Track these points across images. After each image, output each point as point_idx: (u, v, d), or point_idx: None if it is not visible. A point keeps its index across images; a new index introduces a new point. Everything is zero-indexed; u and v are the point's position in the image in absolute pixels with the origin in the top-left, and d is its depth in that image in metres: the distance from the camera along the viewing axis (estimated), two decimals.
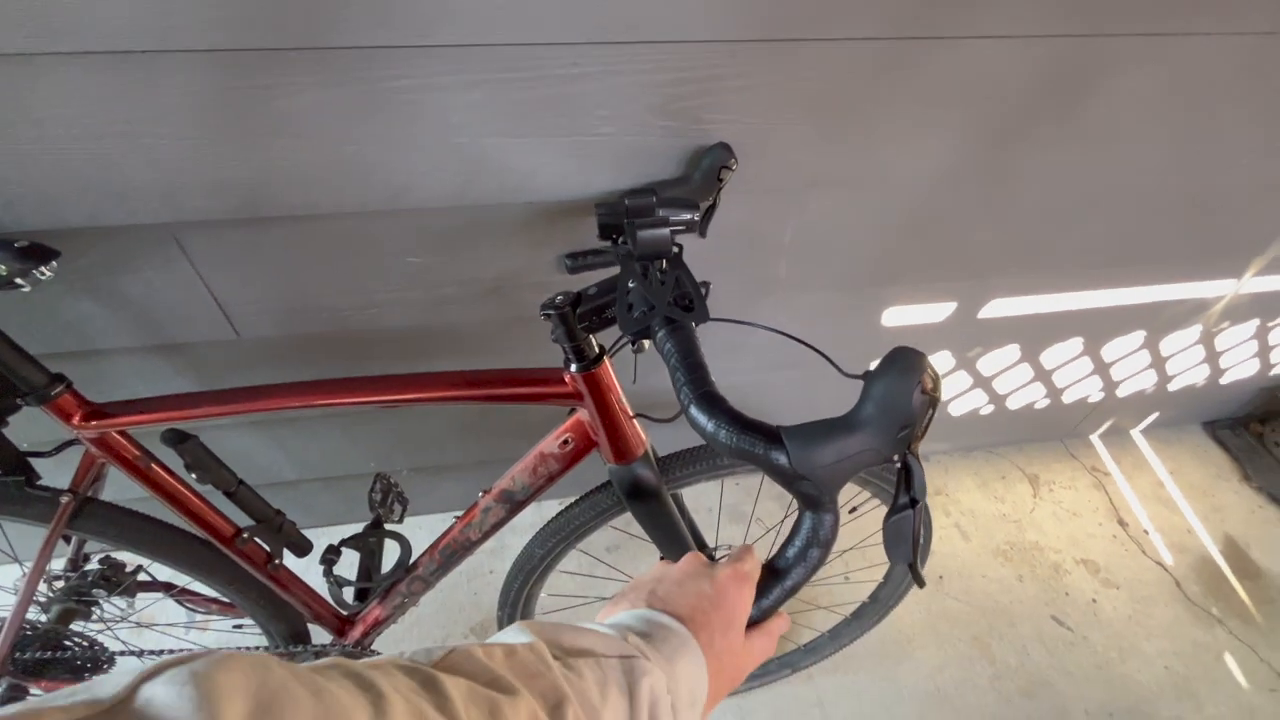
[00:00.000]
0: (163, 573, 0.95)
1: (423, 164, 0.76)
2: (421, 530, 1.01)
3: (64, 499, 0.77)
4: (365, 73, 0.67)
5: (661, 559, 0.87)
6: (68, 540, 0.90)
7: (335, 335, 0.98)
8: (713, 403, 0.46)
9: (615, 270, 0.79)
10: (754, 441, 0.43)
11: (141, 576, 0.97)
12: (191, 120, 0.67)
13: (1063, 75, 0.85)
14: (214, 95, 0.65)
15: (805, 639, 1.26)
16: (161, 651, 0.96)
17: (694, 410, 0.47)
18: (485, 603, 1.38)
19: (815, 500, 0.43)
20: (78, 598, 0.92)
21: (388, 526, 0.95)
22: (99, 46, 0.60)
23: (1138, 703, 1.31)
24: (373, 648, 1.02)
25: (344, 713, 0.23)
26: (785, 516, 1.22)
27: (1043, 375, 1.50)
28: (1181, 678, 1.35)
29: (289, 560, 0.89)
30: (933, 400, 0.40)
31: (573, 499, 0.87)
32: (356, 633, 0.98)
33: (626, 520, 0.86)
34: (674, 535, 0.82)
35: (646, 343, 0.60)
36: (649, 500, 0.78)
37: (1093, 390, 1.60)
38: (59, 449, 0.76)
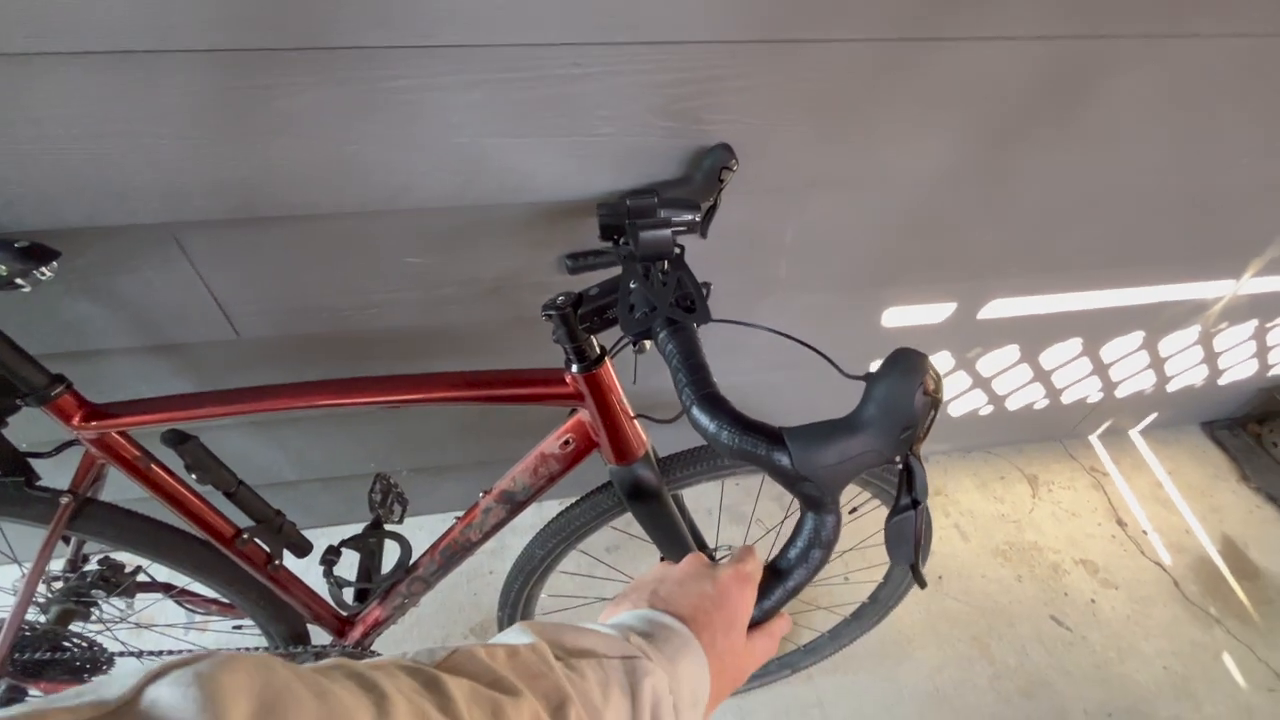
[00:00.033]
0: (162, 573, 0.95)
1: (423, 164, 0.76)
2: (421, 531, 1.01)
3: (64, 500, 0.77)
4: (365, 73, 0.67)
5: (662, 560, 0.87)
6: (67, 541, 0.90)
7: (335, 335, 0.98)
8: (715, 404, 0.46)
9: (616, 271, 0.79)
10: (756, 443, 0.43)
11: (140, 577, 0.97)
12: (191, 120, 0.67)
13: (1062, 76, 0.85)
14: (214, 95, 0.65)
15: (805, 639, 1.26)
16: (161, 652, 0.96)
17: (696, 411, 0.47)
18: (485, 603, 1.38)
19: (817, 501, 0.43)
20: (77, 598, 0.92)
21: (388, 527, 0.95)
22: (99, 46, 0.60)
23: (1136, 702, 1.31)
24: (373, 648, 1.02)
25: (347, 713, 0.23)
26: (785, 517, 1.22)
27: (1042, 376, 1.51)
28: (1180, 677, 1.35)
29: (289, 561, 0.89)
30: (935, 401, 0.40)
31: (573, 500, 0.87)
32: (356, 633, 0.97)
33: (626, 521, 0.86)
34: (674, 536, 0.82)
35: (648, 343, 0.60)
36: (650, 501, 0.78)
37: (1091, 391, 1.60)
38: (59, 450, 0.76)
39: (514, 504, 0.81)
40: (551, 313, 0.62)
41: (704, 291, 0.60)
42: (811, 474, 0.41)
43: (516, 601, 0.97)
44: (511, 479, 0.79)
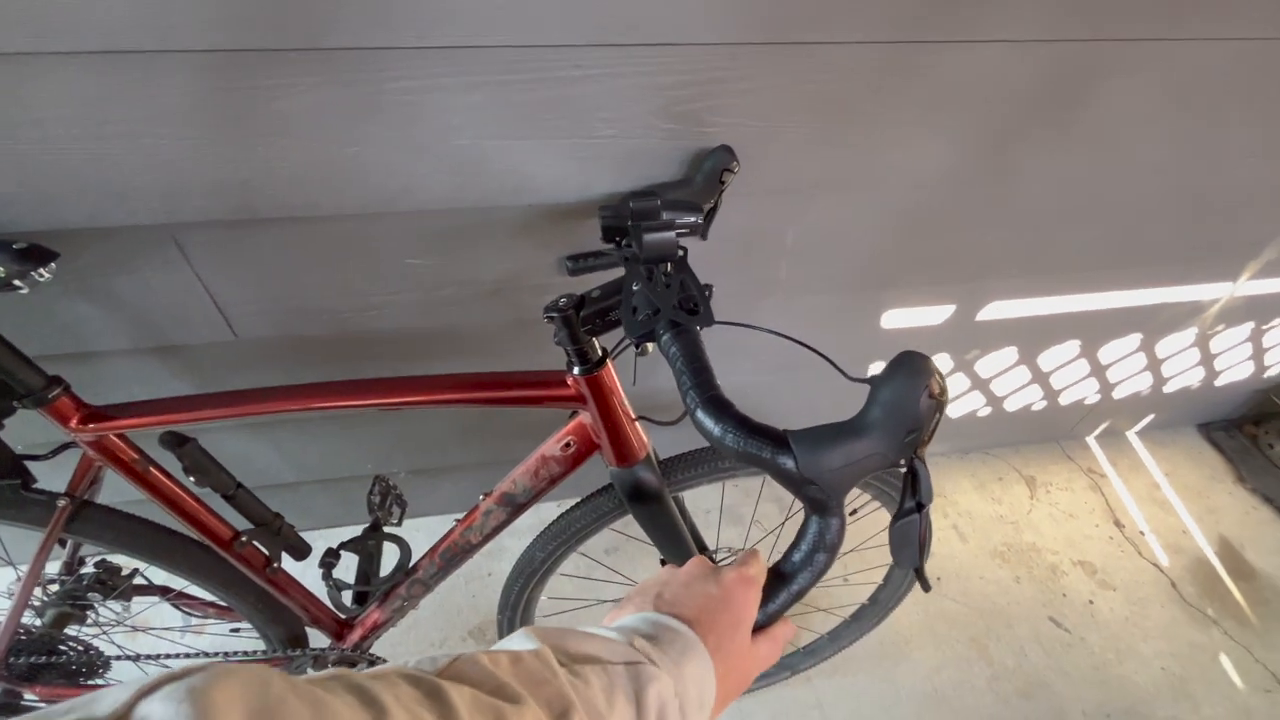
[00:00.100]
0: (159, 576, 0.94)
1: (423, 165, 0.75)
2: (420, 533, 1.00)
3: (60, 503, 0.76)
4: (366, 74, 0.66)
5: (663, 562, 0.87)
6: (63, 544, 0.89)
7: (335, 337, 0.98)
8: (720, 407, 0.46)
9: (616, 272, 0.79)
10: (761, 446, 0.42)
11: (137, 580, 0.97)
12: (191, 120, 0.67)
13: (1063, 79, 0.85)
14: (214, 96, 0.65)
15: (805, 641, 1.26)
16: (158, 656, 0.95)
17: (701, 414, 0.47)
18: (483, 605, 1.38)
19: (822, 504, 0.43)
20: (73, 602, 0.92)
21: (386, 529, 0.95)
22: (99, 46, 0.60)
23: (1135, 704, 1.32)
24: (371, 651, 1.02)
25: None
26: (786, 519, 1.22)
27: (1040, 377, 1.51)
28: (1178, 679, 1.36)
29: (287, 564, 0.89)
30: (940, 404, 0.40)
31: (573, 502, 0.87)
32: (355, 636, 0.97)
33: (625, 523, 0.85)
34: (675, 538, 0.82)
35: (650, 345, 0.60)
36: (651, 503, 0.77)
37: (1089, 392, 1.61)
38: (56, 452, 0.76)
39: (514, 506, 0.81)
40: (554, 315, 0.62)
41: (707, 294, 0.60)
42: (816, 477, 0.41)
43: (517, 604, 0.97)
44: (512, 481, 0.79)
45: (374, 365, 1.05)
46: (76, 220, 0.72)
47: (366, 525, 0.95)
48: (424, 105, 0.70)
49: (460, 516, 0.85)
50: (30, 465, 0.78)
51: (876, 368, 1.33)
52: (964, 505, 1.66)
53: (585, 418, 0.72)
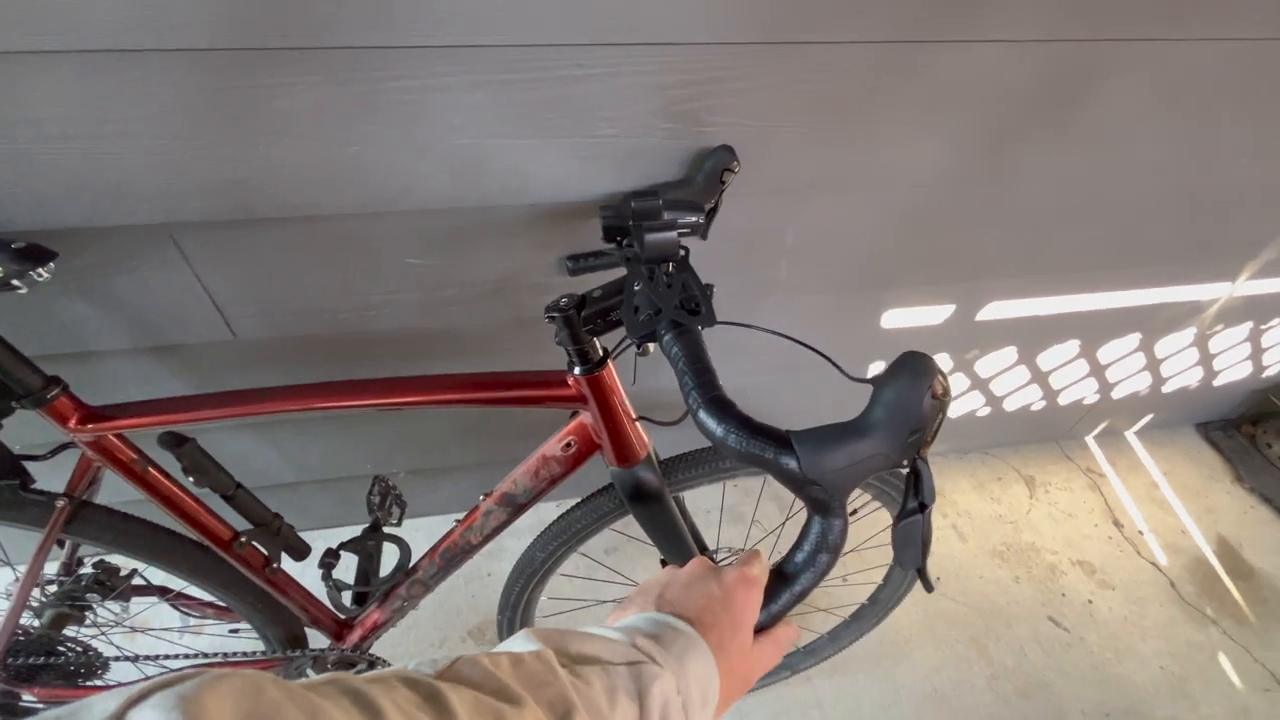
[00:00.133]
0: (157, 577, 0.94)
1: (424, 165, 0.75)
2: (419, 533, 1.00)
3: (59, 503, 0.76)
4: (366, 73, 0.66)
5: (663, 562, 0.87)
6: (61, 544, 0.89)
7: (334, 337, 0.97)
8: (722, 407, 0.46)
9: (617, 272, 0.79)
10: (764, 446, 0.42)
11: (136, 581, 0.96)
12: (191, 120, 0.66)
13: (1061, 79, 0.85)
14: (214, 95, 0.65)
15: (804, 641, 1.26)
16: (157, 657, 0.95)
17: (703, 415, 0.47)
18: (483, 605, 1.38)
19: (825, 505, 0.43)
20: (71, 602, 0.91)
21: (386, 529, 0.94)
22: (97, 45, 0.59)
23: (1134, 703, 1.32)
24: (371, 651, 1.02)
25: None
26: (786, 519, 1.22)
27: (1039, 377, 1.51)
28: (1177, 678, 1.36)
29: (287, 564, 0.89)
30: (943, 405, 0.40)
31: (573, 502, 0.87)
32: (355, 636, 0.97)
33: (625, 523, 0.85)
34: (676, 538, 0.82)
35: (651, 346, 0.60)
36: (651, 503, 0.77)
37: (1088, 392, 1.61)
38: (54, 452, 0.75)
39: (515, 506, 0.81)
40: (555, 315, 0.61)
41: (708, 293, 0.60)
42: (819, 478, 0.41)
43: (517, 604, 0.97)
44: (512, 481, 0.79)
45: (374, 365, 1.04)
46: (75, 220, 0.72)
47: (366, 525, 0.94)
48: (425, 104, 0.70)
49: (460, 517, 0.85)
50: (29, 465, 0.77)
51: (876, 367, 1.33)
52: (963, 505, 1.66)
53: (586, 418, 0.72)
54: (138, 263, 0.81)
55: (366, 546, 0.93)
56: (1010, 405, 1.59)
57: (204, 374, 0.99)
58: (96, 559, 0.95)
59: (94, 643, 0.96)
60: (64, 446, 0.75)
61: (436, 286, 0.93)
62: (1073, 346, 1.44)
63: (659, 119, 0.76)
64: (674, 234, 0.61)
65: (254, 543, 0.85)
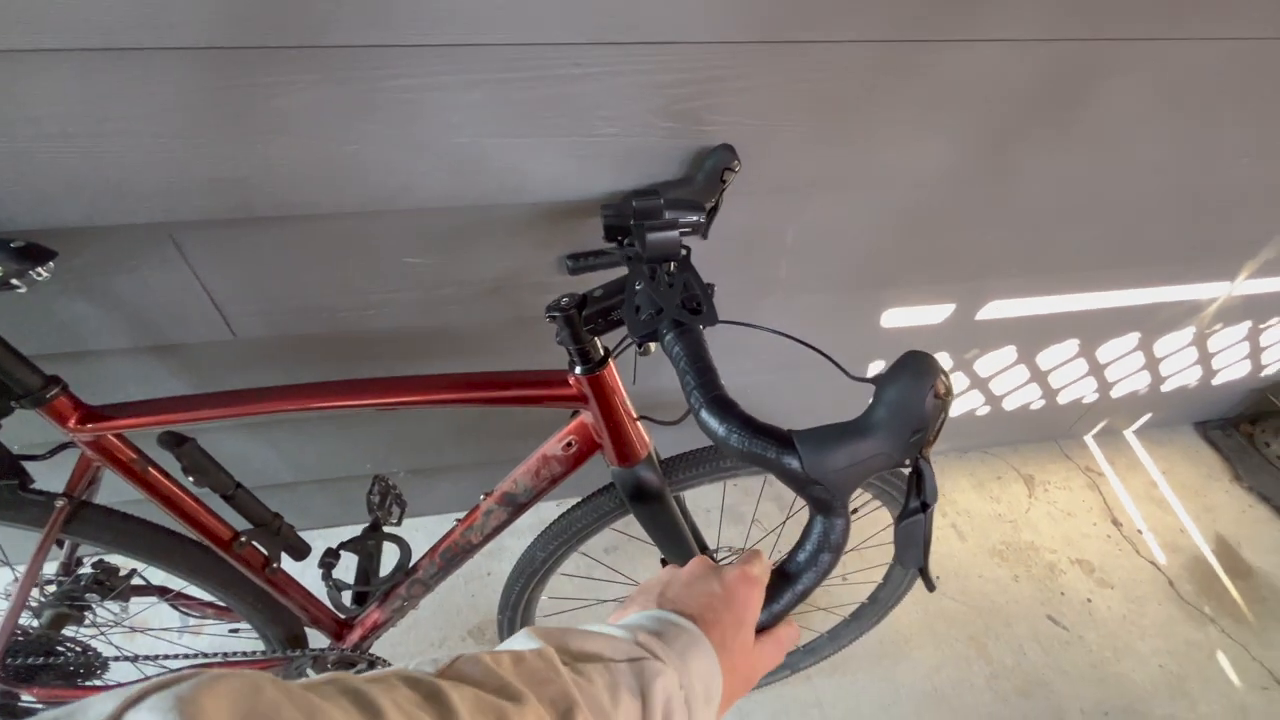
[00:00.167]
0: (157, 577, 0.94)
1: (423, 164, 0.75)
2: (419, 532, 1.00)
3: (58, 503, 0.76)
4: (365, 71, 0.66)
5: (663, 562, 0.87)
6: (61, 544, 0.89)
7: (334, 336, 0.97)
8: (725, 407, 0.46)
9: (617, 271, 0.79)
10: (766, 446, 0.42)
11: (135, 581, 0.96)
12: (190, 118, 0.66)
13: (1061, 78, 0.85)
14: (213, 93, 0.65)
15: (804, 639, 1.26)
16: (156, 657, 0.95)
17: (706, 414, 0.47)
18: (483, 605, 1.38)
19: (827, 504, 0.43)
20: (71, 602, 0.91)
21: (386, 529, 0.94)
22: (97, 43, 0.59)
23: (1133, 702, 1.32)
24: (371, 651, 1.01)
25: None
26: (786, 519, 1.22)
27: (1039, 376, 1.51)
28: (1175, 676, 1.36)
29: (286, 563, 0.89)
30: (945, 404, 0.40)
31: (573, 501, 0.87)
32: (355, 636, 0.97)
33: (626, 522, 0.85)
34: (677, 538, 0.82)
35: (653, 345, 0.60)
36: (652, 503, 0.77)
37: (1087, 391, 1.61)
38: (53, 452, 0.75)
39: (515, 506, 0.81)
40: (556, 314, 0.61)
41: (709, 293, 0.60)
42: (822, 477, 0.41)
43: (517, 604, 0.97)
44: (513, 481, 0.79)
45: (373, 365, 1.04)
46: (74, 219, 0.72)
47: (366, 525, 0.94)
48: (423, 103, 0.70)
49: (460, 516, 0.85)
50: (28, 465, 0.77)
51: (876, 367, 1.33)
52: (962, 504, 1.66)
53: (587, 417, 0.72)
54: (137, 262, 0.81)
55: (366, 546, 0.93)
56: (1009, 404, 1.59)
57: (203, 373, 0.99)
58: (96, 559, 0.94)
59: (93, 643, 0.96)
60: (63, 446, 0.75)
61: (435, 285, 0.92)
62: (1072, 345, 1.44)
63: (658, 118, 0.76)
64: (675, 233, 0.61)
65: (254, 542, 0.85)
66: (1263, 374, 1.71)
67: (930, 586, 0.47)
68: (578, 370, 0.66)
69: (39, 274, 0.66)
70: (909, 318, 1.24)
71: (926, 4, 0.73)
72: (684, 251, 0.65)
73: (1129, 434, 1.87)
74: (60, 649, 0.92)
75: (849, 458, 0.41)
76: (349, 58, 0.65)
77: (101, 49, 0.59)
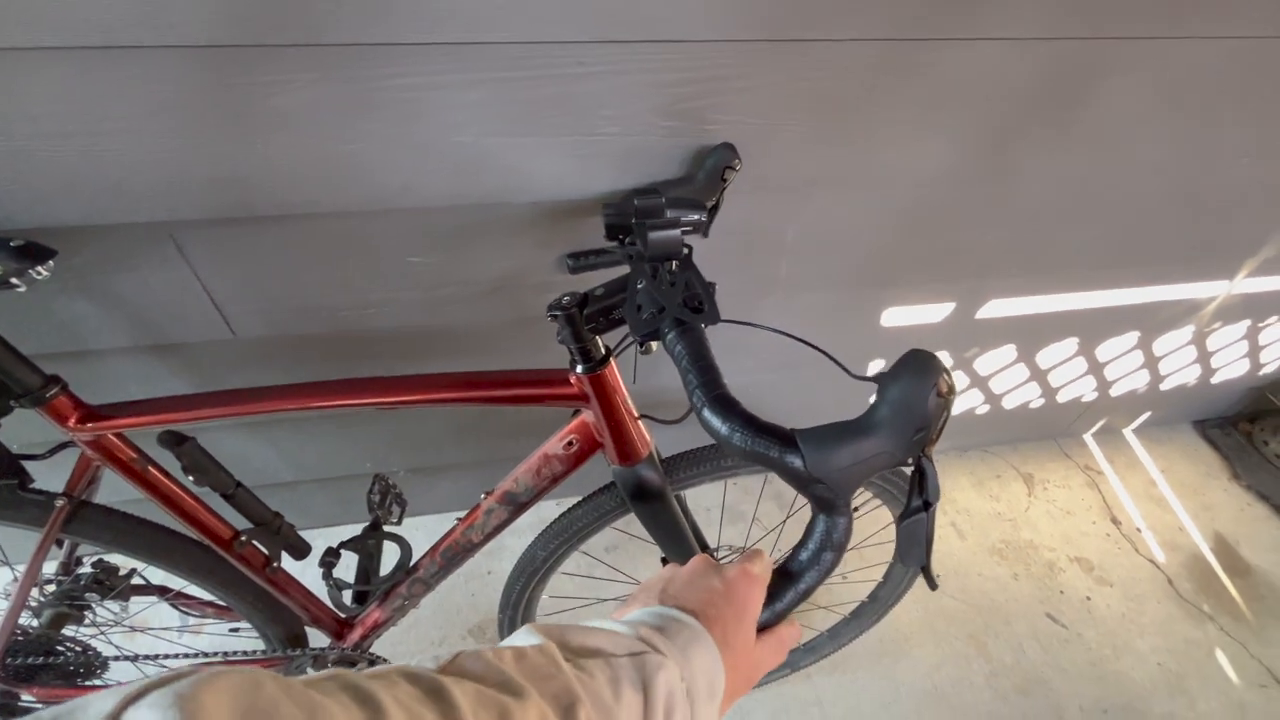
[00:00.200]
0: (157, 576, 0.94)
1: (423, 163, 0.75)
2: (419, 531, 1.00)
3: (58, 503, 0.76)
4: (365, 70, 0.66)
5: (663, 560, 0.87)
6: (60, 544, 0.89)
7: (334, 335, 0.97)
8: (727, 406, 0.46)
9: (618, 270, 0.79)
10: (769, 445, 0.42)
11: (135, 580, 0.96)
12: (190, 117, 0.66)
13: (1062, 77, 0.85)
14: (213, 92, 0.64)
15: (805, 638, 1.26)
16: (156, 656, 0.95)
17: (708, 413, 0.47)
18: (483, 604, 1.37)
19: (829, 503, 0.43)
20: (70, 602, 0.91)
21: (386, 528, 0.94)
22: (96, 41, 0.59)
23: (1132, 699, 1.32)
24: (372, 650, 1.01)
25: None
26: (787, 518, 1.22)
27: (1038, 375, 1.52)
28: (1174, 674, 1.36)
29: (287, 563, 0.88)
30: (948, 403, 0.40)
31: (574, 500, 0.87)
32: (355, 635, 0.97)
33: (626, 521, 0.85)
34: (678, 536, 0.82)
35: (654, 344, 0.60)
36: (653, 502, 0.77)
37: (1087, 390, 1.61)
38: (53, 452, 0.75)
39: (516, 505, 0.81)
40: (557, 313, 0.61)
41: (711, 291, 0.60)
42: (824, 476, 0.41)
43: (518, 603, 0.97)
44: (514, 480, 0.79)
45: (373, 364, 1.04)
46: (73, 217, 0.71)
47: (366, 524, 0.94)
48: (424, 102, 0.70)
49: (461, 515, 0.85)
50: (27, 465, 0.77)
51: (876, 365, 1.33)
52: (962, 503, 1.66)
53: (588, 416, 0.72)
54: (137, 261, 0.81)
55: (367, 545, 0.93)
56: (1009, 403, 1.59)
57: (203, 372, 0.99)
58: (95, 558, 0.94)
59: (93, 642, 0.96)
60: (63, 445, 0.75)
61: (436, 285, 0.92)
62: (1071, 344, 1.44)
63: (660, 117, 0.76)
64: (677, 232, 0.61)
65: (254, 542, 0.85)
66: (1261, 372, 1.71)
67: (933, 585, 0.47)
68: (579, 369, 0.66)
69: (38, 273, 0.65)
70: (909, 316, 1.24)
71: (927, 3, 0.73)
72: (686, 250, 0.65)
73: (1128, 432, 1.87)
74: (60, 649, 0.92)
75: (852, 456, 0.41)
76: (349, 56, 0.65)
77: (101, 47, 0.59)
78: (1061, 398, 1.62)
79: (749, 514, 1.51)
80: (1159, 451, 1.83)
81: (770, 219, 0.96)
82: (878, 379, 0.42)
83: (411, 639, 1.32)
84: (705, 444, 0.83)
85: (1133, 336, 1.46)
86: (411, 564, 0.90)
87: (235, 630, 1.04)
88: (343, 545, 0.92)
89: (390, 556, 0.92)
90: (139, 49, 0.60)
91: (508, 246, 0.89)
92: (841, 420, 0.42)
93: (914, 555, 0.44)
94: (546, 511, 0.91)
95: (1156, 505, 1.69)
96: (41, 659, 0.90)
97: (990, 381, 1.50)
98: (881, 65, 0.78)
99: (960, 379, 1.46)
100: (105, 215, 0.72)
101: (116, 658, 0.97)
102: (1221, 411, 1.89)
